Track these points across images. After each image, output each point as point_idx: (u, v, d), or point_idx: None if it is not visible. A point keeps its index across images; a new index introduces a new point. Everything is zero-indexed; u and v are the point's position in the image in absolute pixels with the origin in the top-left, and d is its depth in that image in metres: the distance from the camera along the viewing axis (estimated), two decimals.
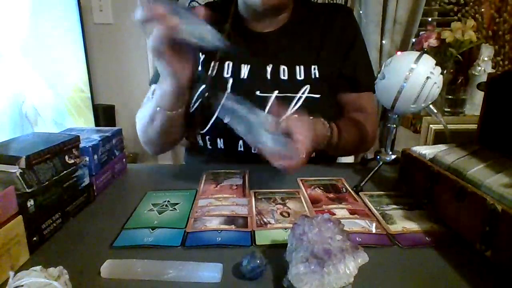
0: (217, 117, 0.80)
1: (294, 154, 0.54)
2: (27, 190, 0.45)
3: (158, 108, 0.69)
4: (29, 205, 0.45)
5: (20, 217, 0.43)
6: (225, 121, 0.78)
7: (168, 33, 0.53)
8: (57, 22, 1.52)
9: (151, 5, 0.52)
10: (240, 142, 0.81)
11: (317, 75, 0.80)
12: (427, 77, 0.61)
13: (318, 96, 0.78)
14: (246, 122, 0.55)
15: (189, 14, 0.54)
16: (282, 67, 0.80)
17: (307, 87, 0.78)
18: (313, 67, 0.81)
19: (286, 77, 0.80)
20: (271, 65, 0.80)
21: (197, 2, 1.73)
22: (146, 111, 0.75)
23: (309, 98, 0.78)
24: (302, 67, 0.80)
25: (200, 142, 0.84)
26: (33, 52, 1.36)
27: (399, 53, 0.68)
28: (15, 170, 0.44)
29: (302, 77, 0.80)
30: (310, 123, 0.63)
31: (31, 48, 1.35)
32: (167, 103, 0.67)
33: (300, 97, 0.77)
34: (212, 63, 0.80)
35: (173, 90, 0.64)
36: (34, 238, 0.46)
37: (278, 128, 0.56)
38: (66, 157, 0.54)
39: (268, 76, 0.80)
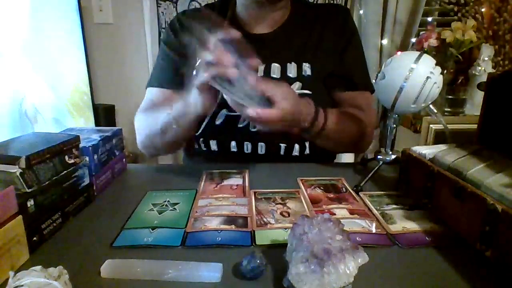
0: (209, 119, 0.80)
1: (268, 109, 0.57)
2: (27, 190, 0.45)
3: (174, 126, 0.70)
4: (29, 205, 0.45)
5: (20, 217, 0.43)
6: (217, 122, 0.79)
7: (222, 78, 0.56)
8: (57, 22, 1.52)
9: (221, 52, 0.55)
10: (233, 143, 0.81)
11: (308, 73, 0.80)
12: (427, 77, 0.61)
13: (309, 92, 0.78)
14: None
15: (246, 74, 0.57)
16: (275, 65, 0.80)
17: (298, 84, 0.78)
18: (305, 64, 0.81)
19: (277, 75, 0.80)
20: (264, 64, 0.80)
21: (197, 2, 1.73)
22: (154, 123, 0.76)
23: (301, 95, 0.78)
24: (294, 64, 0.80)
25: (195, 144, 0.85)
26: (33, 52, 1.36)
27: (399, 53, 0.68)
28: (15, 170, 0.44)
29: (294, 75, 0.80)
30: (289, 88, 0.64)
31: (31, 48, 1.35)
32: (186, 124, 0.70)
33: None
34: None
35: (197, 116, 0.67)
36: (34, 238, 0.46)
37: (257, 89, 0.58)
38: (66, 157, 0.54)
39: (260, 75, 0.80)
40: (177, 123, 0.70)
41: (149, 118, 0.80)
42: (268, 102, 0.58)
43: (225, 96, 0.59)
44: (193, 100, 0.63)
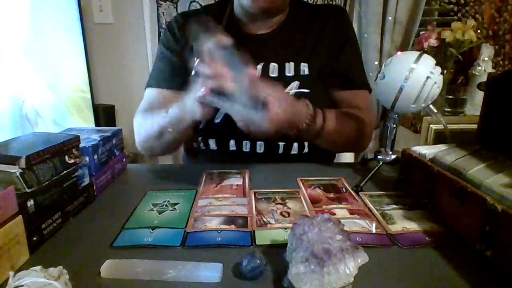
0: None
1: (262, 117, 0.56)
2: (27, 190, 0.45)
3: (170, 130, 0.70)
4: (29, 205, 0.45)
5: (20, 217, 0.43)
6: (216, 121, 0.79)
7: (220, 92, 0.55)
8: (57, 22, 1.52)
9: (213, 62, 0.54)
10: (232, 141, 0.82)
11: (306, 72, 0.81)
12: (427, 77, 0.61)
13: (307, 91, 0.78)
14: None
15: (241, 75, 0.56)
16: (272, 64, 0.81)
17: (296, 83, 0.79)
18: (302, 64, 0.81)
19: (275, 74, 0.80)
20: (261, 64, 0.81)
21: (198, 2, 1.73)
22: (151, 125, 0.76)
23: (299, 94, 0.78)
24: (292, 63, 0.81)
25: (194, 143, 0.85)
26: (33, 52, 1.36)
27: (399, 53, 0.68)
28: (15, 170, 0.44)
29: (292, 74, 0.80)
30: (283, 94, 0.64)
31: (31, 48, 1.34)
32: (181, 129, 0.70)
33: (289, 93, 0.78)
34: None
35: (192, 122, 0.67)
36: (34, 238, 0.46)
37: (252, 96, 0.57)
38: (66, 157, 0.54)
39: (258, 75, 0.80)
40: (173, 127, 0.70)
41: (146, 120, 0.80)
42: (263, 105, 0.58)
43: (232, 115, 0.59)
44: (190, 107, 0.63)
